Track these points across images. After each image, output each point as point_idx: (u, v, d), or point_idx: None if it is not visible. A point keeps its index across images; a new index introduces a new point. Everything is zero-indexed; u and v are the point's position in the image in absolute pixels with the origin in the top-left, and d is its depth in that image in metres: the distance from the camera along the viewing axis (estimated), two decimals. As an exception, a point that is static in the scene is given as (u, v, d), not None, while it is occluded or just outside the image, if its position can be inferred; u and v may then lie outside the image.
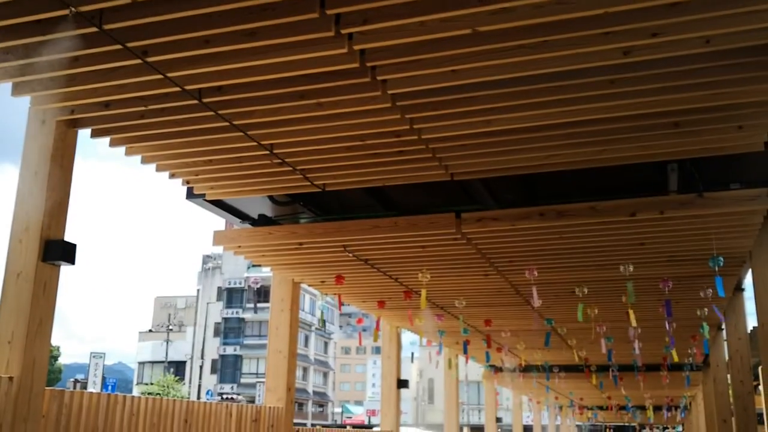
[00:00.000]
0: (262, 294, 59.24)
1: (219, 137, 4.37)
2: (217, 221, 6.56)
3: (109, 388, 38.32)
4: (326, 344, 74.64)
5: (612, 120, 4.03)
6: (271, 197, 5.98)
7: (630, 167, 5.01)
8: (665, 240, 5.67)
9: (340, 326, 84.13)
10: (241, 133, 4.26)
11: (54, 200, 4.17)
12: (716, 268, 5.60)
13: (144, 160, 4.85)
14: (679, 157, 4.54)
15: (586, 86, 3.67)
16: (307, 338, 67.52)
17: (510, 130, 4.17)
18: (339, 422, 61.13)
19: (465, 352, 9.82)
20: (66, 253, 4.10)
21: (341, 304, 7.29)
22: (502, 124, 4.08)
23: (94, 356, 43.17)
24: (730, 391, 9.11)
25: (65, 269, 4.20)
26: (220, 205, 6.03)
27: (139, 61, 3.53)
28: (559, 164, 4.61)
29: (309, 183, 5.02)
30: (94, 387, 37.22)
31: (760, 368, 6.15)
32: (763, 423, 8.43)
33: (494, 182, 5.45)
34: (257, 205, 6.17)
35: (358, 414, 65.46)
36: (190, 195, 5.75)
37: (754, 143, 4.26)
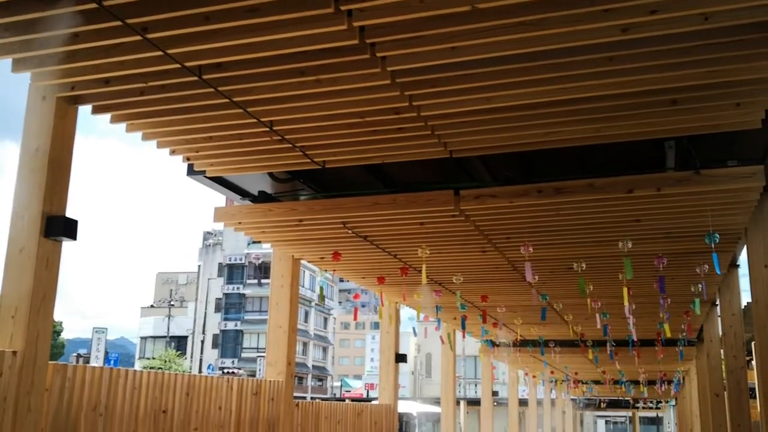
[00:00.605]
0: (263, 270, 59.46)
1: (219, 114, 4.39)
2: (218, 198, 6.60)
3: (112, 362, 38.58)
4: (326, 320, 75.08)
5: (610, 97, 4.05)
6: (271, 174, 6.00)
7: (628, 144, 5.03)
8: (662, 217, 5.71)
9: (340, 302, 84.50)
10: (241, 110, 4.28)
11: (55, 176, 4.20)
12: (712, 245, 5.65)
13: (144, 137, 4.87)
14: (677, 134, 4.57)
15: (584, 63, 3.68)
16: (306, 314, 67.89)
17: (509, 107, 4.19)
18: (338, 396, 61.61)
19: (463, 327, 9.91)
20: (67, 228, 4.14)
21: (340, 279, 7.34)
22: (500, 101, 4.10)
23: (96, 331, 43.43)
24: (723, 366, 9.21)
25: (67, 244, 4.24)
26: (220, 181, 6.06)
27: (139, 37, 3.54)
28: (558, 141, 4.63)
29: (309, 160, 5.04)
30: (96, 362, 37.50)
31: (753, 343, 6.22)
32: (755, 397, 8.54)
33: (492, 159, 5.48)
34: (257, 181, 6.20)
35: (357, 388, 65.94)
36: (191, 172, 5.77)
37: (752, 121, 4.28)
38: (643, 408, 36.45)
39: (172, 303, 60.53)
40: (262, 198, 6.26)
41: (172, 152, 5.12)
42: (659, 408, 40.76)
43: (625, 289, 6.68)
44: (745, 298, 9.72)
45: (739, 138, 5.05)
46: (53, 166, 4.19)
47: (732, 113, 4.22)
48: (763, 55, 3.56)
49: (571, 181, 5.32)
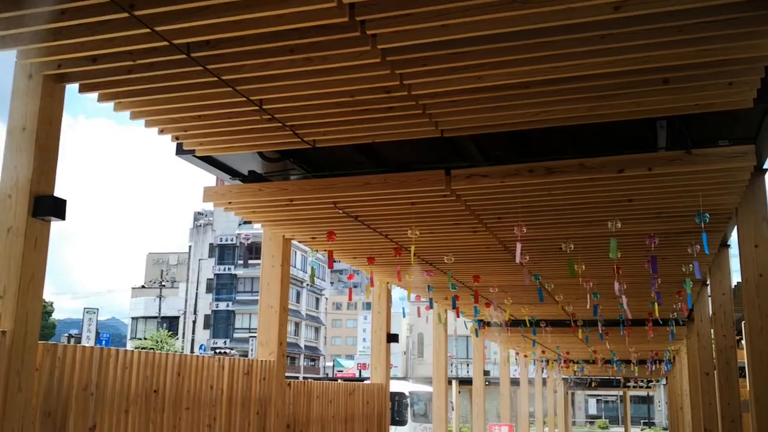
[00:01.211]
0: (254, 250, 59.45)
1: (208, 92, 4.35)
2: (209, 178, 6.56)
3: (103, 342, 38.57)
4: (318, 300, 75.25)
5: (602, 76, 4.03)
6: (261, 154, 5.97)
7: (619, 124, 5.02)
8: (653, 196, 5.71)
9: (332, 282, 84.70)
10: (230, 89, 4.24)
11: (43, 156, 4.16)
12: (702, 225, 5.66)
13: (133, 116, 4.82)
14: (669, 113, 4.55)
15: (576, 42, 3.66)
16: (298, 294, 68.02)
17: (500, 86, 4.17)
18: (330, 376, 61.92)
19: (454, 307, 9.94)
20: (56, 208, 4.11)
21: (332, 260, 7.33)
22: (492, 80, 4.07)
23: (87, 312, 43.38)
24: (713, 346, 9.28)
25: (56, 224, 4.21)
26: (209, 161, 6.02)
27: (126, 14, 3.49)
28: (549, 120, 4.61)
29: (299, 139, 5.01)
30: (88, 342, 37.47)
31: (743, 323, 6.26)
32: (744, 376, 8.61)
33: (484, 139, 5.46)
34: (247, 161, 6.17)
35: (349, 368, 66.27)
36: (180, 151, 5.74)
37: (744, 100, 4.27)
38: (634, 387, 36.75)
39: (163, 283, 60.51)
40: (252, 178, 6.23)
41: (161, 131, 5.08)
42: (650, 387, 41.15)
43: (614, 270, 6.70)
44: (736, 278, 9.79)
45: (731, 118, 5.05)
46: (41, 145, 4.14)
47: (724, 92, 4.21)
48: (757, 34, 3.54)
49: (562, 160, 5.30)
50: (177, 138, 5.27)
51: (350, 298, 8.03)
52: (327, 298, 79.68)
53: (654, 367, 22.58)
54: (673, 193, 5.60)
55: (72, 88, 4.42)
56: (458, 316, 12.03)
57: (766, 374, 5.39)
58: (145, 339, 50.82)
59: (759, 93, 4.22)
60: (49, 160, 4.19)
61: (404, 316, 65.88)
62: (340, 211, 6.32)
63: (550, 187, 5.54)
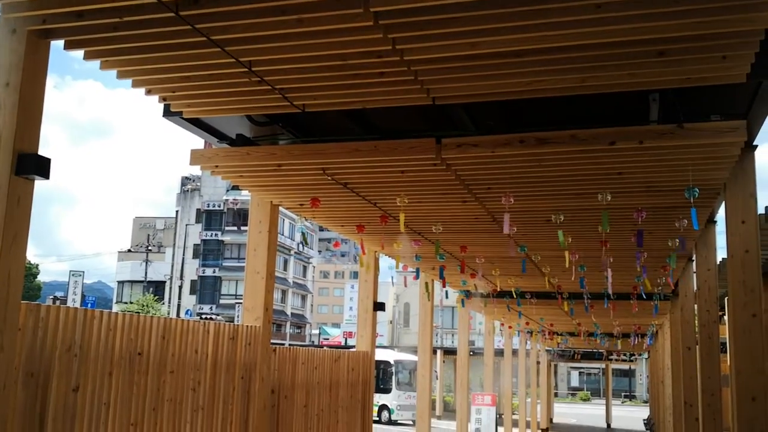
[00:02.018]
0: (242, 217, 59.32)
1: (196, 53, 4.27)
2: (197, 142, 6.49)
3: (89, 306, 38.55)
4: (305, 268, 75.39)
5: (597, 46, 3.98)
6: (249, 117, 5.89)
7: (612, 97, 4.99)
8: (643, 170, 5.70)
9: (319, 251, 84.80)
10: (219, 49, 4.16)
11: (26, 113, 4.08)
12: (692, 199, 5.66)
13: (119, 75, 4.73)
14: (663, 86, 4.52)
15: (571, 10, 3.60)
16: (286, 262, 68.11)
17: (494, 54, 4.11)
18: (316, 343, 62.29)
19: (441, 277, 9.95)
20: (40, 166, 4.04)
21: (320, 228, 7.31)
22: (485, 47, 4.01)
23: (73, 274, 43.27)
24: (696, 321, 9.37)
25: (42, 186, 4.15)
26: (197, 123, 5.94)
27: (112, -32, 3.40)
28: (542, 91, 4.56)
29: (288, 103, 4.94)
30: (73, 305, 37.40)
31: (725, 298, 6.30)
32: (725, 351, 8.70)
33: (476, 108, 5.41)
34: (235, 124, 6.09)
35: (336, 336, 66.65)
36: (168, 113, 5.65)
37: (737, 74, 4.24)
38: (617, 360, 37.18)
39: (149, 248, 60.39)
40: (240, 141, 6.16)
41: (148, 92, 4.99)
42: (632, 361, 41.65)
43: (601, 243, 6.71)
44: (721, 254, 9.83)
45: (723, 92, 5.03)
46: (24, 102, 4.07)
47: (718, 66, 4.17)
48: (752, 7, 3.50)
49: (554, 131, 5.27)
50: (164, 99, 5.18)
51: (336, 266, 8.01)
52: (314, 266, 79.85)
53: (637, 340, 22.82)
54: (663, 167, 5.59)
55: (58, 47, 4.33)
56: (444, 286, 12.06)
57: (747, 348, 5.43)
58: (131, 303, 50.88)
59: (752, 68, 4.20)
60: (32, 117, 4.12)
61: (393, 285, 66.22)
62: (329, 178, 6.28)
63: (540, 158, 5.51)
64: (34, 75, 4.13)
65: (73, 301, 39.85)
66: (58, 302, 38.01)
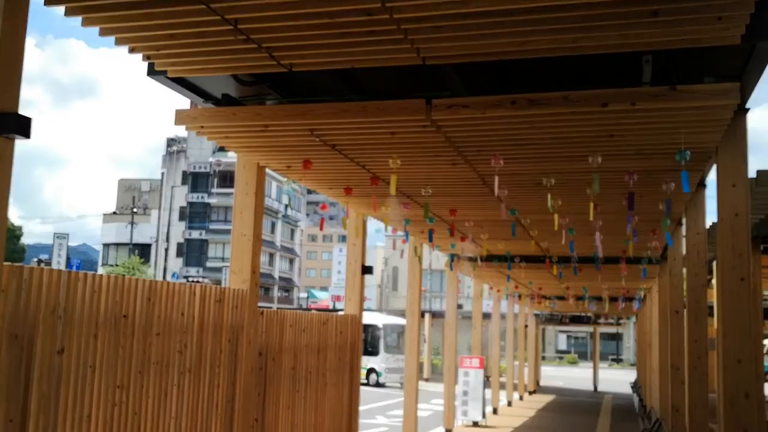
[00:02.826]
0: (228, 179, 59.04)
1: (180, 10, 4.15)
2: (183, 102, 6.35)
3: (74, 268, 38.49)
4: (292, 231, 75.43)
5: (589, 6, 3.89)
6: (235, 77, 5.78)
7: (604, 58, 4.91)
8: (635, 132, 5.65)
9: (307, 214, 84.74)
10: (204, 6, 4.05)
11: (5, 71, 3.95)
12: (683, 162, 5.62)
13: (102, 33, 4.60)
14: (657, 48, 4.45)
15: (566, -34, 3.51)
16: (273, 225, 68.07)
17: (485, 13, 4.02)
18: (304, 306, 62.60)
19: (430, 240, 9.94)
20: (20, 126, 3.93)
21: (308, 191, 7.23)
22: (476, 6, 3.92)
23: (57, 237, 43.11)
24: (684, 285, 9.42)
25: (26, 148, 4.05)
26: (182, 83, 5.82)
27: None
28: (534, 51, 4.48)
29: (275, 62, 4.84)
30: (58, 267, 37.30)
31: (714, 262, 6.31)
32: (713, 315, 8.76)
33: (466, 68, 5.31)
34: (221, 84, 5.97)
35: (324, 299, 67.02)
36: (152, 72, 5.53)
37: (732, 36, 4.17)
38: (604, 324, 37.57)
39: (135, 210, 60.11)
40: (225, 101, 6.04)
41: (131, 50, 4.87)
42: (620, 324, 42.14)
43: (591, 205, 6.68)
44: (711, 218, 9.85)
45: (717, 54, 4.96)
46: (4, 60, 3.93)
47: (713, 27, 4.10)
48: (751, -36, 3.42)
49: (545, 93, 5.19)
50: (148, 58, 5.06)
51: (321, 229, 7.94)
52: (302, 230, 79.90)
53: (625, 304, 23.03)
54: (655, 129, 5.54)
55: (38, 3, 4.19)
56: (433, 248, 12.07)
57: (734, 312, 5.45)
58: (117, 266, 50.81)
59: (746, 29, 4.13)
60: (12, 75, 3.99)
61: (383, 242, 66.41)
62: (317, 139, 6.19)
63: (532, 119, 5.44)
64: (13, 31, 3.99)
65: (58, 263, 39.77)
66: (42, 265, 37.92)
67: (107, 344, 4.98)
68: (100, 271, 56.89)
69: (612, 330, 51.01)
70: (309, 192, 73.51)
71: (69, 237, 43.30)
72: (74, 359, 4.67)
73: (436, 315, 38.94)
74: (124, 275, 5.36)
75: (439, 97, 5.48)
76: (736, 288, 5.47)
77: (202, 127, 6.07)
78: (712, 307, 9.76)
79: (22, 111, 4.02)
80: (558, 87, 5.22)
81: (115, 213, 71.24)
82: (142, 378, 5.35)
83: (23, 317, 4.31)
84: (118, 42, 4.75)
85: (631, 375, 40.15)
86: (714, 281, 6.01)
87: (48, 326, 4.46)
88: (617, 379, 41.10)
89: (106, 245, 66.54)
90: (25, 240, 66.29)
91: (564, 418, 20.02)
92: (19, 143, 4.01)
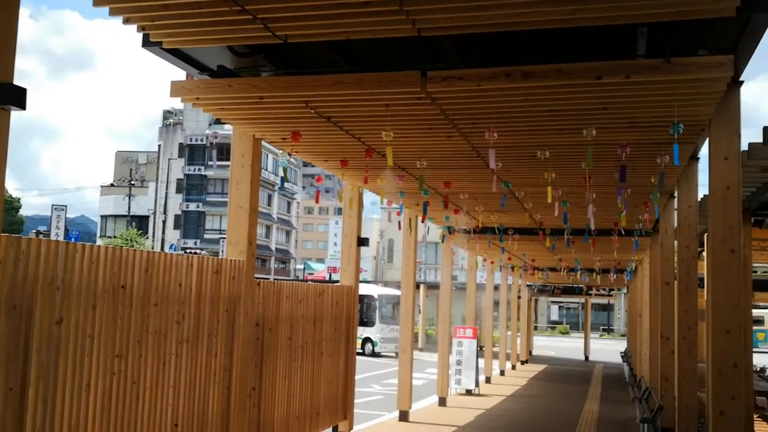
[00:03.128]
0: (225, 152, 58.85)
1: (175, -21, 4.14)
2: (179, 74, 6.33)
3: (72, 240, 38.48)
4: (289, 204, 75.39)
5: (586, -23, 3.89)
6: (230, 48, 5.76)
7: (599, 30, 4.91)
8: (628, 105, 5.67)
9: (303, 187, 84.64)
10: (199, -24, 4.04)
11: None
12: (675, 135, 5.65)
13: (95, 3, 4.59)
14: (652, 20, 4.45)
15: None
16: (270, 197, 68.02)
17: (480, -16, 4.01)
18: (301, 278, 62.80)
19: (425, 213, 9.97)
20: (15, 96, 3.93)
21: (304, 164, 7.23)
22: (472, -23, 3.91)
23: (56, 209, 43.01)
24: (675, 257, 9.49)
25: (23, 120, 4.06)
26: (177, 54, 5.80)
27: None
28: (530, 23, 4.48)
29: (270, 34, 4.83)
30: (56, 239, 37.27)
31: (705, 234, 6.37)
32: (703, 287, 8.85)
33: (462, 40, 5.31)
34: (216, 55, 5.95)
35: (320, 271, 67.20)
36: (147, 43, 5.51)
37: (727, 8, 4.18)
38: (596, 295, 37.80)
39: (132, 182, 59.97)
40: (221, 73, 6.03)
41: (126, 21, 4.86)
42: (611, 295, 42.37)
43: (585, 179, 6.71)
44: (702, 191, 9.91)
45: (711, 27, 4.96)
46: (-3, 30, 3.93)
47: (708, -1, 4.10)
48: (746, -63, 3.42)
49: (540, 65, 5.20)
50: (143, 29, 5.04)
51: (317, 201, 7.96)
52: (299, 202, 79.86)
53: (616, 276, 23.17)
54: (648, 102, 5.56)
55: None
56: (423, 222, 12.11)
57: (724, 283, 5.52)
58: (115, 237, 50.79)
59: (741, 2, 4.13)
60: (5, 45, 3.98)
61: (378, 215, 66.43)
62: (312, 111, 6.20)
63: (526, 92, 5.45)
64: (5, 1, 3.99)
65: (56, 235, 39.73)
66: (41, 236, 37.90)
67: (106, 315, 5.03)
68: (99, 242, 56.93)
69: (603, 301, 51.35)
70: (305, 165, 73.39)
71: (67, 209, 43.17)
72: (73, 329, 4.73)
73: (431, 286, 39.14)
74: (122, 247, 5.40)
75: (435, 69, 5.49)
76: (726, 260, 5.53)
77: (197, 98, 6.07)
78: (702, 279, 9.87)
79: (17, 82, 4.02)
80: (553, 59, 5.22)
81: (112, 185, 71.07)
82: (141, 347, 5.42)
83: (21, 288, 4.35)
84: (113, 12, 4.74)
85: (621, 345, 40.51)
86: (705, 253, 6.07)
87: (46, 297, 4.51)
88: (608, 349, 41.49)
89: (104, 217, 66.49)
90: (23, 212, 66.21)
91: (556, 386, 20.26)
92: (15, 115, 4.02)
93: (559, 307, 68.96)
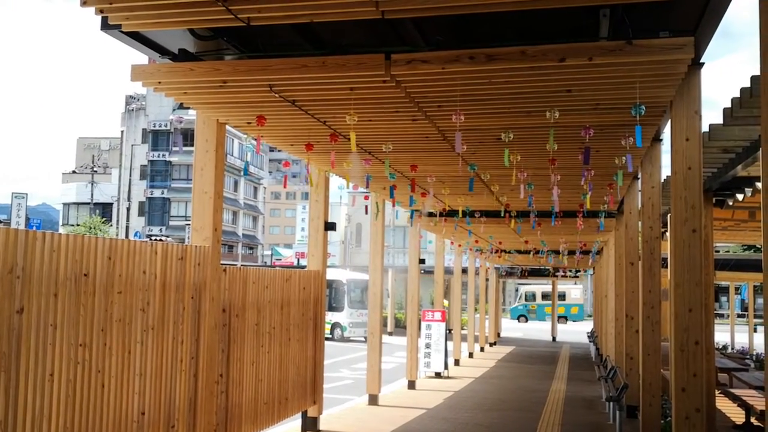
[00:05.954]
0: (190, 137, 58.17)
1: (133, -40, 4.05)
2: (141, 58, 6.20)
3: (34, 228, 37.80)
4: (255, 189, 74.88)
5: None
6: (192, 31, 5.67)
7: (562, 12, 4.93)
8: (592, 87, 5.71)
9: (270, 172, 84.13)
10: (157, -43, 3.95)
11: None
12: (638, 117, 5.71)
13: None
14: (615, 1, 4.48)
15: None
16: (236, 183, 67.50)
17: (444, -34, 3.99)
18: (269, 263, 62.54)
19: (391, 196, 9.97)
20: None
21: (259, 145, 7.16)
22: (435, -41, 3.89)
23: (16, 197, 42.18)
24: (640, 237, 9.64)
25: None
26: (137, 37, 5.70)
27: None
28: (493, 5, 4.48)
29: (232, 16, 4.76)
30: (17, 227, 36.56)
31: (668, 215, 6.48)
32: (666, 266, 9.00)
33: (426, 23, 5.30)
34: (177, 38, 5.85)
35: (288, 256, 66.99)
36: (106, 26, 5.40)
37: (687, -10, 4.22)
38: (563, 277, 38.28)
39: (95, 169, 59.04)
40: (182, 57, 5.93)
41: (84, 3, 4.75)
42: (577, 277, 42.92)
43: (549, 161, 6.74)
44: (666, 172, 10.06)
45: (672, 8, 5.01)
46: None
47: (669, -19, 4.14)
48: None
49: (503, 48, 5.21)
50: (102, 11, 4.93)
51: (285, 186, 7.92)
52: (265, 188, 79.37)
53: (582, 257, 23.45)
54: (611, 84, 5.60)
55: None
56: (393, 206, 12.10)
57: (686, 262, 5.62)
58: (78, 225, 50.02)
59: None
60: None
61: (346, 199, 66.32)
62: (276, 95, 6.14)
63: (490, 74, 5.46)
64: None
65: (17, 224, 39.01)
66: (1, 225, 37.20)
67: (68, 303, 4.95)
68: (61, 230, 56.01)
69: (570, 283, 52.00)
70: (271, 149, 72.82)
71: (28, 197, 42.35)
72: (34, 318, 4.65)
73: (400, 270, 39.27)
74: (84, 234, 5.31)
75: (399, 51, 5.46)
76: (688, 239, 5.63)
77: (159, 83, 5.97)
78: (665, 259, 10.06)
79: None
80: (516, 42, 5.23)
81: (74, 172, 69.91)
82: (105, 336, 5.35)
83: (-20, 277, 4.26)
84: (70, -5, 4.62)
85: (588, 326, 41.12)
86: (668, 233, 6.17)
87: (6, 286, 4.42)
88: (575, 330, 42.12)
89: (66, 205, 65.39)
90: (-18, 200, 64.84)
91: (523, 367, 20.51)
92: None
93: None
